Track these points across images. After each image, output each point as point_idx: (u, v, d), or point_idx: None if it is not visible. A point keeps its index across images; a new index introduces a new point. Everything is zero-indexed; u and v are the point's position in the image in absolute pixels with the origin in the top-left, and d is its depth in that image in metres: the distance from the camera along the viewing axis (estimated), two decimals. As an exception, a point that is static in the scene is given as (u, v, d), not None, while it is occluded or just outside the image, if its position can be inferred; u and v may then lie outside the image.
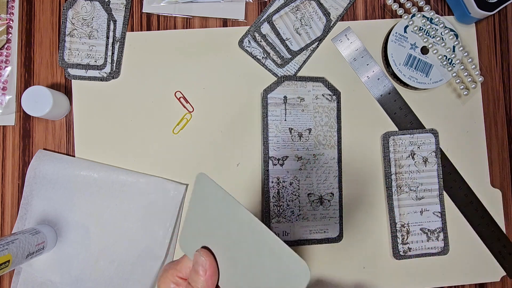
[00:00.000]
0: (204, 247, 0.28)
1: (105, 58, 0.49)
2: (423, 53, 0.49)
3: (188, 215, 0.29)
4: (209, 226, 0.28)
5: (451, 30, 0.49)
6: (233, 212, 0.27)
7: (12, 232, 0.45)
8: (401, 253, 0.49)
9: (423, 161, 0.50)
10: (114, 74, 0.49)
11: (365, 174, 0.50)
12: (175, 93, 0.49)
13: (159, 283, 0.31)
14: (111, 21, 0.49)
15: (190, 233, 0.30)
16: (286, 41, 0.49)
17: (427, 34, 0.49)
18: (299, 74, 0.50)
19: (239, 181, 0.49)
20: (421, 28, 0.49)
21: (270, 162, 0.48)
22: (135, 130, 0.49)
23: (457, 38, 0.49)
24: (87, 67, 0.48)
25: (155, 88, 0.49)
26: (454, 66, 0.49)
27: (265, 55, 0.50)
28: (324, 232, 0.48)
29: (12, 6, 0.49)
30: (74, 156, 0.48)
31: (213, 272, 0.28)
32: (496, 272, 0.51)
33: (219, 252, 0.28)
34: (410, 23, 0.48)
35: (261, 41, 0.49)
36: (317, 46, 0.50)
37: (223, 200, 0.27)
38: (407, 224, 0.49)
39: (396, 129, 0.50)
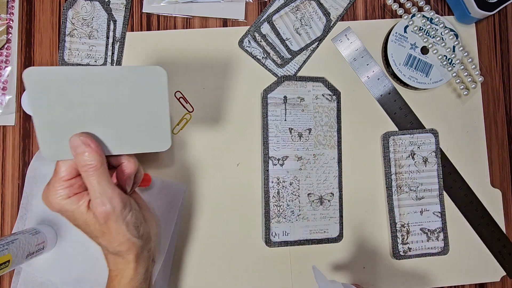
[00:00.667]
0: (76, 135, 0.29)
1: (105, 58, 0.49)
2: (423, 53, 0.49)
3: (36, 120, 0.29)
4: (62, 114, 0.29)
5: (451, 30, 0.49)
6: (80, 81, 0.28)
7: (12, 232, 0.45)
8: (401, 253, 0.49)
9: (423, 161, 0.50)
10: (114, 74, 0.49)
11: (365, 174, 0.50)
12: (175, 93, 0.49)
13: (48, 202, 0.30)
14: (111, 21, 0.49)
15: (49, 135, 0.29)
16: (286, 41, 0.49)
17: (427, 34, 0.49)
18: (299, 74, 0.50)
19: (239, 181, 0.49)
20: (421, 28, 0.49)
21: (270, 162, 0.48)
22: (135, 130, 0.49)
23: (457, 38, 0.49)
24: (87, 67, 0.48)
25: (155, 88, 0.49)
26: (454, 66, 0.49)
27: (265, 55, 0.50)
28: (324, 232, 0.48)
29: (12, 6, 0.49)
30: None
31: (96, 143, 0.29)
32: (496, 272, 0.51)
33: (87, 128, 0.29)
34: (410, 23, 0.48)
35: (261, 41, 0.49)
36: (317, 46, 0.50)
37: (64, 76, 0.28)
38: (407, 224, 0.49)
39: (396, 129, 0.50)
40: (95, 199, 0.29)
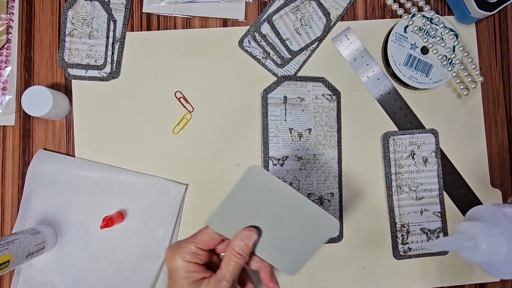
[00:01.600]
0: (250, 227, 0.34)
1: (105, 58, 0.49)
2: (423, 53, 0.49)
3: (229, 198, 0.34)
4: (248, 208, 0.34)
5: (451, 30, 0.49)
6: (279, 193, 0.33)
7: (12, 232, 0.45)
8: (401, 253, 0.49)
9: (423, 161, 0.50)
10: (114, 74, 0.49)
11: (365, 174, 0.50)
12: (175, 93, 0.49)
13: (172, 254, 0.33)
14: (111, 21, 0.49)
15: (226, 213, 0.35)
16: (286, 41, 0.49)
17: (427, 34, 0.49)
18: (299, 74, 0.50)
19: (239, 181, 0.49)
20: (421, 28, 0.49)
21: (270, 162, 0.48)
22: (135, 130, 0.49)
23: (457, 38, 0.49)
24: (87, 67, 0.48)
25: (155, 88, 0.49)
26: (454, 66, 0.49)
27: (265, 55, 0.50)
28: (324, 232, 0.48)
29: (12, 6, 0.49)
30: (74, 156, 0.48)
31: (255, 242, 0.34)
32: (496, 272, 0.51)
33: (261, 226, 0.34)
34: (410, 23, 0.48)
35: (261, 41, 0.49)
36: (317, 46, 0.50)
37: (273, 185, 0.33)
38: (407, 224, 0.49)
39: (396, 129, 0.50)
40: (221, 280, 0.33)
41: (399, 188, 0.49)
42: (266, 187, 0.33)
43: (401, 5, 0.49)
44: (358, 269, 0.49)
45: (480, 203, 0.50)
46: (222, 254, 0.37)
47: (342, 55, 0.50)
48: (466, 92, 0.50)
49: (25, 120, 0.49)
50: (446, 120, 0.51)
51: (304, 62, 0.50)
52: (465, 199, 0.50)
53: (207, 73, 0.49)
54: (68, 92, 0.49)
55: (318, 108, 0.49)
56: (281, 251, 0.35)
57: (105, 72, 0.49)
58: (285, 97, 0.49)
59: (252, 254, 0.35)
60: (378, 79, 0.50)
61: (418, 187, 0.49)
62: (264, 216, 0.34)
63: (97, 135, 0.48)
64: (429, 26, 0.49)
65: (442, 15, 0.51)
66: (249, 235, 0.34)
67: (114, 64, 0.49)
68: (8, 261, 0.37)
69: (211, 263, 0.36)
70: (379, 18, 0.51)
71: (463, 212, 0.50)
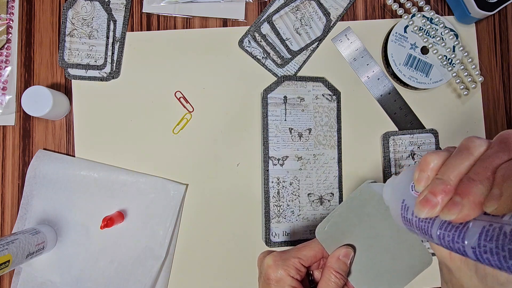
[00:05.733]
0: (346, 245, 0.34)
1: (105, 58, 0.49)
2: (423, 53, 0.49)
3: (339, 210, 0.34)
4: (353, 224, 0.34)
5: (451, 30, 0.49)
6: (384, 213, 0.33)
7: (12, 232, 0.45)
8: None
9: (423, 161, 0.49)
10: (114, 74, 0.49)
11: (365, 174, 0.50)
12: (175, 93, 0.49)
13: (275, 265, 0.33)
14: (111, 21, 0.49)
15: (332, 225, 0.34)
16: (286, 41, 0.49)
17: (427, 34, 0.49)
18: (299, 74, 0.50)
19: (239, 181, 0.49)
20: (421, 28, 0.49)
21: (270, 162, 0.48)
22: (135, 130, 0.49)
23: (457, 38, 0.49)
24: (87, 67, 0.48)
25: (155, 88, 0.49)
26: (454, 66, 0.49)
27: (265, 55, 0.50)
28: (324, 232, 0.48)
29: (12, 6, 0.49)
30: (74, 156, 0.48)
31: (349, 264, 0.33)
32: (496, 272, 0.51)
33: (357, 246, 0.34)
34: (410, 23, 0.48)
35: (261, 41, 0.49)
36: (317, 46, 0.50)
37: (380, 205, 0.33)
38: (407, 224, 0.49)
39: (396, 129, 0.50)
40: None
41: (399, 188, 0.49)
42: (376, 205, 0.33)
43: (401, 5, 0.49)
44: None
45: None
46: (311, 271, 0.37)
47: (342, 55, 0.50)
48: (466, 92, 0.50)
49: (25, 120, 0.49)
50: (446, 120, 0.51)
51: (304, 62, 0.50)
52: (465, 199, 0.50)
53: (207, 73, 0.49)
54: (68, 92, 0.49)
55: (318, 108, 0.49)
56: (371, 277, 0.34)
57: (105, 72, 0.49)
58: (285, 97, 0.49)
59: None
60: (378, 79, 0.50)
61: (418, 187, 0.49)
62: (364, 236, 0.34)
63: (97, 135, 0.48)
64: (429, 26, 0.49)
65: (442, 15, 0.51)
66: (347, 253, 0.33)
67: (114, 64, 0.49)
68: (8, 261, 0.37)
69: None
70: (379, 18, 0.51)
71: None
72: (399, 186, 0.26)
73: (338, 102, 0.50)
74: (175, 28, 0.50)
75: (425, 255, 0.34)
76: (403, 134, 0.49)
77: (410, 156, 0.49)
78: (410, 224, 0.24)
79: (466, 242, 0.19)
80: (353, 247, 0.34)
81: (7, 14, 0.48)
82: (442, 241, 0.21)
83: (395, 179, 0.27)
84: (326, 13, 0.50)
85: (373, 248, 0.34)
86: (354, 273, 0.34)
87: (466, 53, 0.50)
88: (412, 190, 0.24)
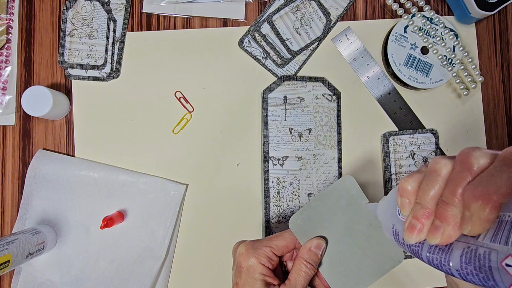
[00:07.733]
0: (319, 237, 0.34)
1: (105, 58, 0.49)
2: (423, 53, 0.49)
3: (313, 202, 0.35)
4: (327, 217, 0.34)
5: (451, 30, 0.49)
6: (359, 208, 0.34)
7: (12, 232, 0.45)
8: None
9: (423, 161, 0.49)
10: (114, 74, 0.49)
11: (365, 174, 0.50)
12: (175, 93, 0.49)
13: (247, 253, 0.34)
14: (111, 21, 0.49)
15: (306, 216, 0.35)
16: (286, 41, 0.49)
17: (427, 34, 0.49)
18: (299, 74, 0.50)
19: (239, 181, 0.49)
20: (421, 28, 0.49)
21: (270, 162, 0.48)
22: (135, 130, 0.49)
23: (457, 38, 0.49)
24: (87, 67, 0.48)
25: (155, 88, 0.49)
26: (454, 66, 0.49)
27: (265, 55, 0.50)
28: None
29: (12, 6, 0.49)
30: (74, 156, 0.48)
31: (321, 255, 0.34)
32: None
33: (330, 239, 0.35)
34: (410, 23, 0.48)
35: (261, 41, 0.49)
36: (317, 46, 0.50)
37: (357, 199, 0.34)
38: (407, 224, 0.49)
39: (396, 129, 0.50)
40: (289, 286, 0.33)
41: (399, 188, 0.49)
42: (350, 199, 0.34)
43: (401, 5, 0.49)
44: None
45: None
46: (284, 262, 0.37)
47: (342, 55, 0.50)
48: (466, 92, 0.50)
49: (25, 120, 0.49)
50: (446, 120, 0.51)
51: (304, 62, 0.50)
52: (465, 199, 0.50)
53: (207, 73, 0.49)
54: (68, 92, 0.49)
55: (318, 108, 0.49)
56: (340, 270, 0.34)
57: (105, 72, 0.49)
58: (285, 97, 0.49)
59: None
60: (378, 79, 0.50)
61: (418, 187, 0.49)
62: (336, 229, 0.34)
63: (97, 135, 0.48)
64: (429, 26, 0.49)
65: (442, 15, 0.51)
66: (318, 244, 0.34)
67: (114, 64, 0.49)
68: (8, 261, 0.37)
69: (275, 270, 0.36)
70: (379, 18, 0.51)
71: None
72: (387, 211, 0.27)
73: (338, 102, 0.50)
74: (175, 28, 0.50)
75: (396, 253, 0.34)
76: (403, 134, 0.49)
77: (410, 156, 0.49)
78: (404, 247, 0.25)
79: (451, 265, 0.20)
80: (325, 239, 0.34)
81: (7, 14, 0.48)
82: (432, 264, 0.22)
83: (383, 201, 0.28)
84: (326, 13, 0.50)
85: (345, 242, 0.34)
86: (325, 264, 0.34)
87: (466, 53, 0.50)
88: (399, 215, 0.25)
